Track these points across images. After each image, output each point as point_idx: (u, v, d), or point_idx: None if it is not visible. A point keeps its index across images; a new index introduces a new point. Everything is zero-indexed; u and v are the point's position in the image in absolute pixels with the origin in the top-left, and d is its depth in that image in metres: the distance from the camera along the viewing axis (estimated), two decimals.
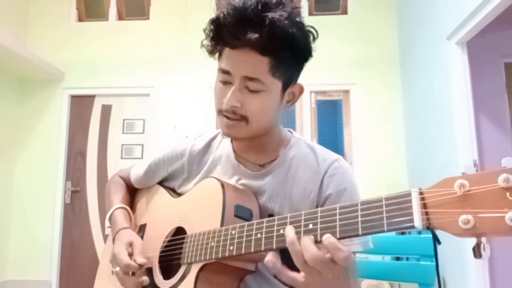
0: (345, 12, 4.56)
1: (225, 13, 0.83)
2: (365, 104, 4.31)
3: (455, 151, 3.03)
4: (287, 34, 0.83)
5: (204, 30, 0.89)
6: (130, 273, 0.95)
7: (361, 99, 4.33)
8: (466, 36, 2.93)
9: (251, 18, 0.81)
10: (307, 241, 0.66)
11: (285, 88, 0.92)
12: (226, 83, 0.89)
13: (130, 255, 0.97)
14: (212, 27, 0.87)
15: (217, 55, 0.92)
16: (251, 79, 0.86)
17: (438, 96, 3.36)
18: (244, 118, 0.89)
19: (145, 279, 0.94)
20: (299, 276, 0.68)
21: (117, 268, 0.96)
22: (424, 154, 3.70)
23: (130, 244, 0.99)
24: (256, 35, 0.81)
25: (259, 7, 0.82)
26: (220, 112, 0.91)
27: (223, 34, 0.84)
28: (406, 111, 4.21)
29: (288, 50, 0.85)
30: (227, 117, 0.90)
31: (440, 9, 3.29)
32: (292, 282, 0.69)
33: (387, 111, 4.29)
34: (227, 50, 0.87)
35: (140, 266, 0.95)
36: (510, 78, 3.48)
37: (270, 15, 0.81)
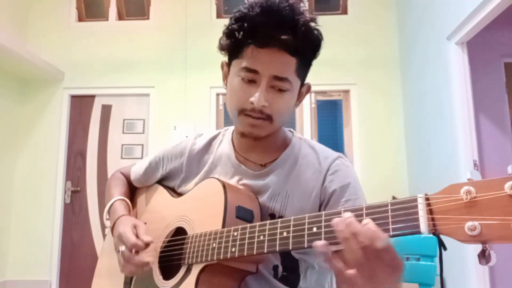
0: (345, 12, 4.56)
1: (257, 11, 0.84)
2: (365, 104, 4.31)
3: (455, 151, 3.03)
4: (317, 37, 0.89)
5: (228, 26, 0.90)
6: (134, 251, 0.93)
7: (361, 99, 4.33)
8: (466, 36, 2.93)
9: (287, 19, 0.83)
10: (367, 220, 0.59)
11: (301, 87, 0.95)
12: (250, 81, 0.88)
13: (136, 236, 0.97)
14: (240, 24, 0.87)
15: (225, 51, 0.93)
16: (280, 78, 0.87)
17: (438, 96, 3.36)
18: (269, 118, 0.90)
19: (151, 259, 0.94)
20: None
21: (123, 247, 0.95)
22: (424, 154, 3.71)
23: (135, 226, 0.99)
24: (289, 36, 0.83)
25: (294, 10, 0.84)
26: (242, 111, 0.90)
27: (256, 32, 0.84)
28: (406, 111, 4.21)
29: (313, 52, 0.90)
30: (252, 116, 0.90)
31: (440, 9, 3.29)
32: (339, 273, 0.61)
33: (387, 111, 4.30)
34: (253, 49, 0.86)
35: (147, 244, 0.94)
36: (510, 78, 3.48)
37: (305, 19, 0.84)
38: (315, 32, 0.88)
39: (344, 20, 4.52)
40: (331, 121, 4.54)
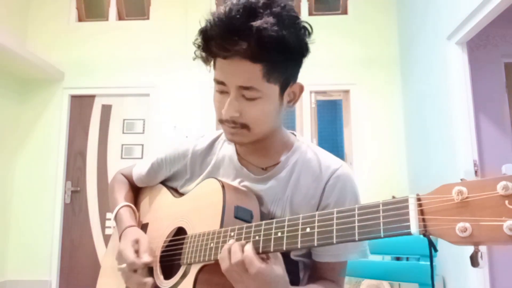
0: (345, 12, 4.56)
1: (212, 24, 0.82)
2: (365, 104, 4.31)
3: (455, 151, 3.02)
4: (276, 40, 0.80)
5: (194, 42, 0.89)
6: (138, 271, 0.94)
7: (361, 99, 4.32)
8: (466, 36, 2.93)
9: (237, 28, 0.80)
10: (237, 247, 0.75)
11: (283, 90, 0.90)
12: (222, 92, 0.89)
13: (136, 252, 0.97)
14: (199, 39, 0.86)
15: (211, 64, 0.91)
16: (246, 87, 0.85)
17: (438, 96, 3.36)
18: (245, 126, 0.89)
19: (150, 280, 0.94)
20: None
21: (124, 265, 0.96)
22: (424, 154, 3.70)
23: (137, 241, 0.99)
24: (245, 45, 0.80)
25: (246, 15, 0.80)
26: (221, 121, 0.91)
27: (212, 46, 0.83)
28: (406, 111, 4.20)
29: (280, 54, 0.83)
30: (229, 126, 0.90)
31: (440, 9, 3.28)
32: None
33: (387, 111, 4.29)
34: (219, 61, 0.86)
35: (145, 264, 0.95)
36: (510, 78, 3.47)
37: (257, 23, 0.79)
38: (272, 35, 0.79)
39: (344, 20, 4.51)
40: (331, 121, 4.52)
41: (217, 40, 0.82)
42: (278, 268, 0.76)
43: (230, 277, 0.76)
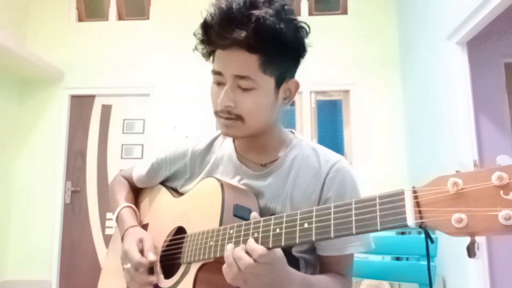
0: (345, 12, 4.56)
1: (212, 14, 0.84)
2: (365, 104, 4.31)
3: (455, 151, 3.02)
4: (273, 31, 0.83)
5: (195, 34, 0.90)
6: (141, 270, 0.95)
7: (361, 99, 4.32)
8: (466, 36, 2.93)
9: (236, 16, 0.82)
10: (240, 252, 0.74)
11: (279, 84, 0.91)
12: (219, 84, 0.90)
13: (141, 251, 0.98)
14: (200, 30, 0.88)
15: (211, 58, 0.93)
16: (242, 77, 0.86)
17: (438, 96, 3.36)
18: (239, 117, 0.90)
19: (155, 278, 0.95)
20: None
21: (129, 265, 0.96)
22: (424, 154, 3.70)
23: (141, 241, 1.00)
24: (243, 34, 0.81)
25: (246, 5, 0.82)
26: (216, 113, 0.92)
27: (211, 35, 0.85)
28: (406, 111, 4.20)
29: (277, 47, 0.85)
30: (223, 118, 0.91)
31: (440, 9, 3.28)
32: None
33: (387, 111, 4.29)
34: (218, 52, 0.88)
35: (151, 263, 0.95)
36: (510, 78, 3.46)
37: (256, 12, 0.81)
38: (270, 25, 0.82)
39: (344, 20, 4.51)
40: (331, 121, 4.53)
41: (216, 29, 0.84)
42: (278, 250, 0.76)
43: (238, 279, 0.75)
